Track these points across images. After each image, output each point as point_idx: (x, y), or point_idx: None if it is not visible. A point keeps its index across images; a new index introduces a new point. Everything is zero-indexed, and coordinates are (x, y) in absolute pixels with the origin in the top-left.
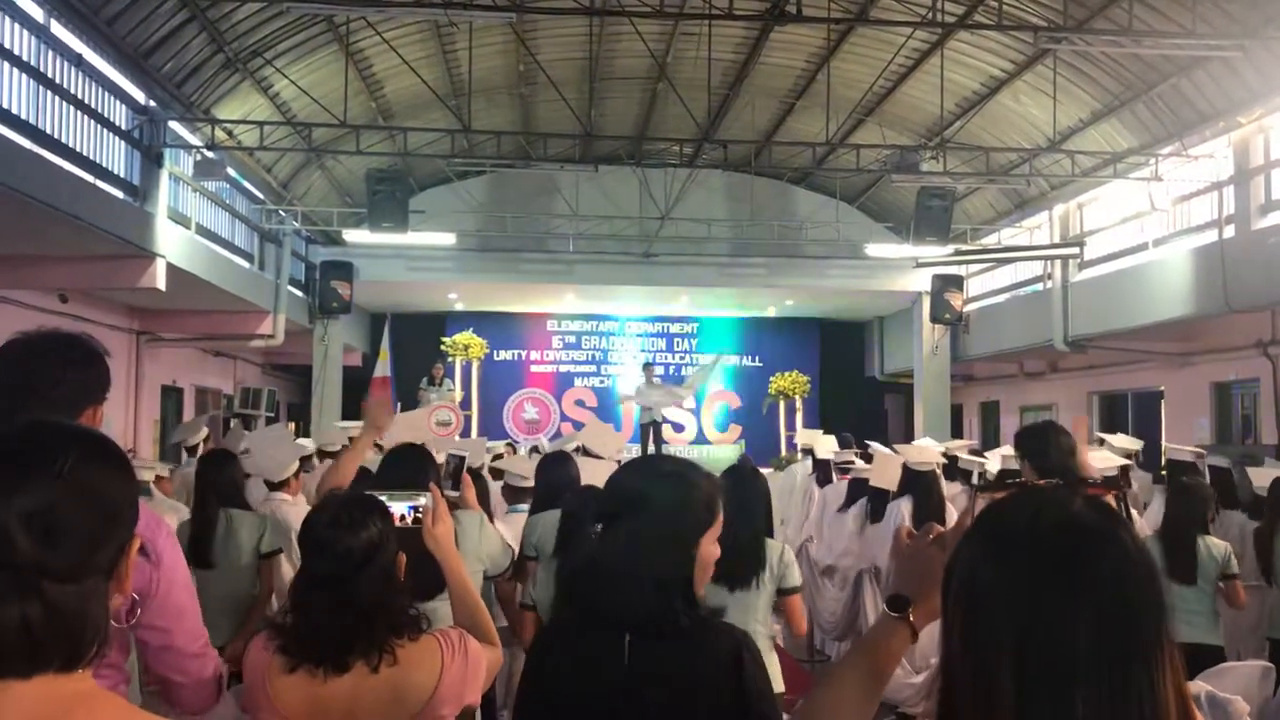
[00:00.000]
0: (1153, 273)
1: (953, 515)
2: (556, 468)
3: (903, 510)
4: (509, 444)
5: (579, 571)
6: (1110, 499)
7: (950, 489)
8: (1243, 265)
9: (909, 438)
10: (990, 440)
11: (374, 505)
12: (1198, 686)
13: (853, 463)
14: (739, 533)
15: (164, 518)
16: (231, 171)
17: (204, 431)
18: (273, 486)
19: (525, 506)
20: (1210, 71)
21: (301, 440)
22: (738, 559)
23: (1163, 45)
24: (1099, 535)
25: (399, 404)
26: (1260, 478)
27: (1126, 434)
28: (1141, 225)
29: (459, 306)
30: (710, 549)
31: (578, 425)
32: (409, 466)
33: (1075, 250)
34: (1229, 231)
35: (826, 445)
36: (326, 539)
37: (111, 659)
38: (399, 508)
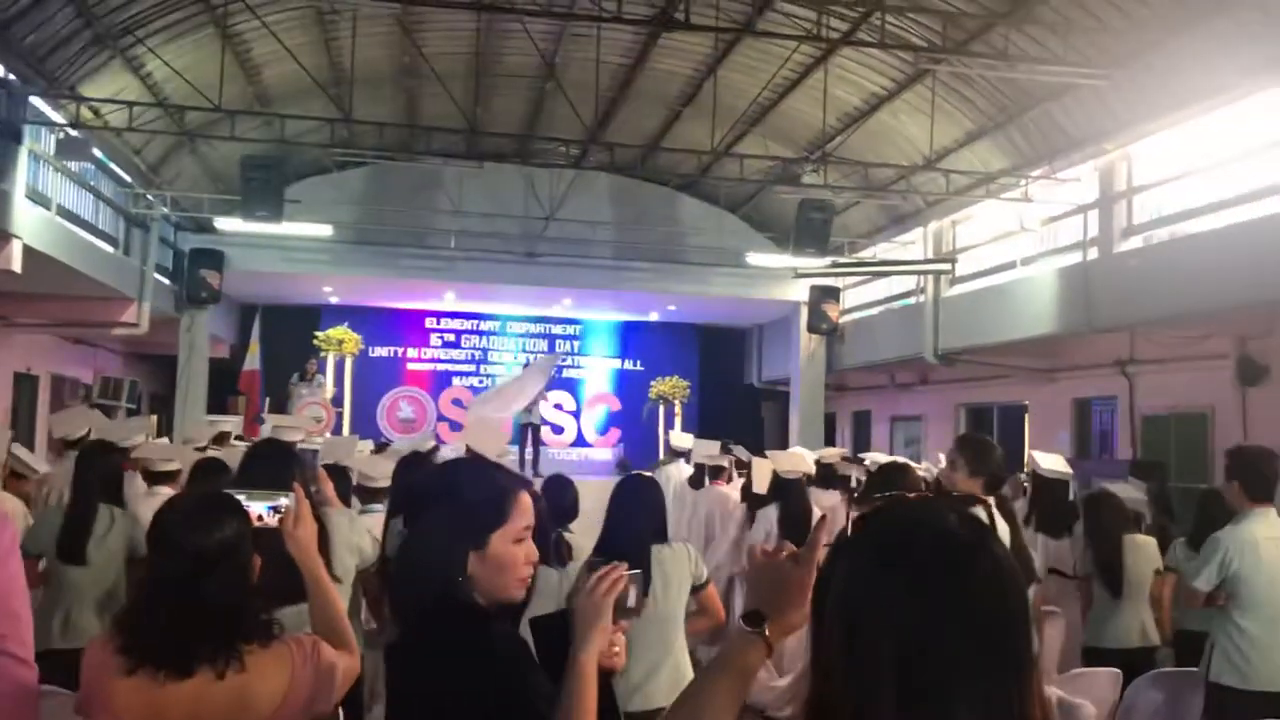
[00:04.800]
0: (1020, 290)
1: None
2: (415, 469)
3: (770, 517)
4: (379, 444)
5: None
6: (980, 511)
7: (830, 498)
8: (1104, 286)
9: (784, 444)
10: (862, 449)
11: (230, 504)
12: (1049, 692)
13: (725, 468)
14: (617, 543)
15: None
16: (97, 152)
17: (89, 424)
18: (155, 480)
19: (379, 506)
20: (1079, 99)
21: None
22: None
23: (1035, 71)
24: (973, 547)
25: (267, 399)
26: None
27: None
28: (1011, 244)
29: (334, 300)
30: (509, 549)
31: (454, 425)
32: (271, 465)
33: (947, 266)
34: (1093, 253)
35: (702, 450)
36: (176, 537)
37: None
38: (258, 508)
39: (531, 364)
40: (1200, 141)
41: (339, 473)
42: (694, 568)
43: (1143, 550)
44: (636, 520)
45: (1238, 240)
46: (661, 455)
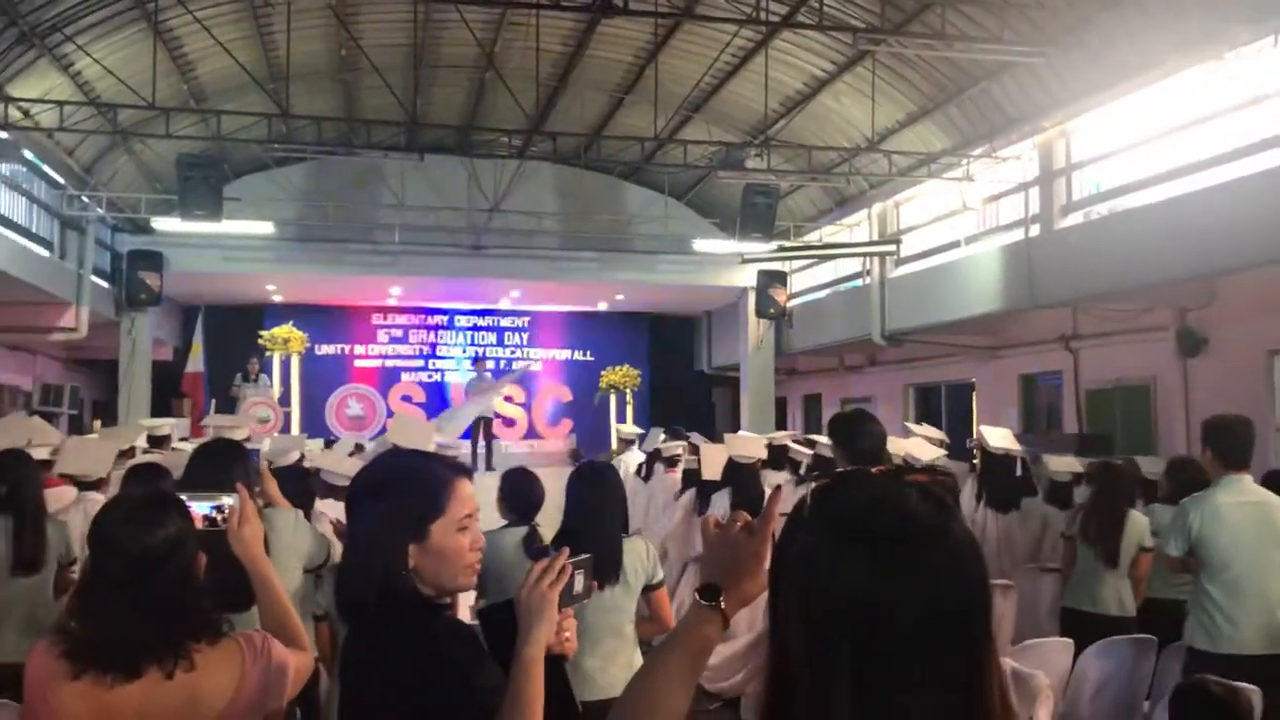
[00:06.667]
0: (964, 269)
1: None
2: None
3: (723, 503)
4: (328, 441)
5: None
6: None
7: (780, 479)
8: (1046, 263)
9: (736, 430)
10: (813, 432)
11: (172, 503)
12: (1002, 663)
13: (680, 455)
14: (583, 531)
15: None
16: (28, 154)
17: (29, 433)
18: (85, 486)
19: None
20: (1016, 77)
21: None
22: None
23: (973, 50)
24: (933, 528)
25: (213, 401)
26: (1056, 465)
27: (940, 425)
28: (954, 223)
29: (277, 299)
30: (451, 539)
31: None
32: (214, 465)
33: (892, 247)
34: (1034, 230)
35: (652, 439)
36: (117, 538)
37: None
38: (201, 509)
39: (480, 387)
40: (1136, 117)
41: (303, 474)
42: (650, 565)
43: (1135, 524)
44: (599, 506)
45: (1175, 214)
46: (614, 445)
